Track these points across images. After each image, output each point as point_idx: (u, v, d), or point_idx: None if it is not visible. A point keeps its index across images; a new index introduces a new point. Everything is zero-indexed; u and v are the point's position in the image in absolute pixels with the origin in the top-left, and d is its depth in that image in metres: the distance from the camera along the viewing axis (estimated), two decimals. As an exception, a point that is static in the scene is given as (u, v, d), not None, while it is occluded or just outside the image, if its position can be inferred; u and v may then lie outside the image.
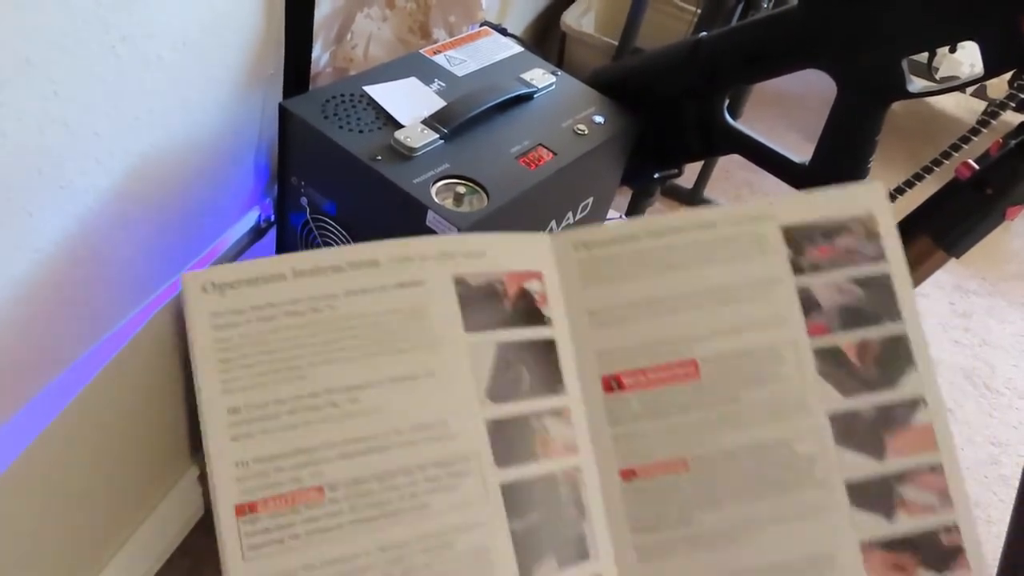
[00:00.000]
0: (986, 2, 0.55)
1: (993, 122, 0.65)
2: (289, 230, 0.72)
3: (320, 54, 0.79)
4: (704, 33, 0.69)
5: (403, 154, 0.61)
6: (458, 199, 0.59)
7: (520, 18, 1.58)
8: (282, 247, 0.75)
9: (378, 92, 0.66)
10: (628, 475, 0.28)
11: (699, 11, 1.31)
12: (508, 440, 0.26)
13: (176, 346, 0.81)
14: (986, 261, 1.84)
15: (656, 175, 0.79)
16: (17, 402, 0.61)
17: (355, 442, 0.25)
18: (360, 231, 0.65)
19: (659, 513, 0.27)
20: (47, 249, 0.56)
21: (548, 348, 0.28)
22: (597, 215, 0.78)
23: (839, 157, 0.65)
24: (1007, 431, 1.46)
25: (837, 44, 0.61)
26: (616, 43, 1.46)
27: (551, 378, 0.28)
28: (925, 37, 0.59)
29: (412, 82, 0.69)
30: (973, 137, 0.67)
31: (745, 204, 0.33)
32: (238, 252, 0.82)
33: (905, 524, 0.29)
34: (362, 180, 0.60)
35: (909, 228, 0.74)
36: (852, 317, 0.31)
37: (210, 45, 0.62)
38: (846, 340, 0.30)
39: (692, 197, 1.79)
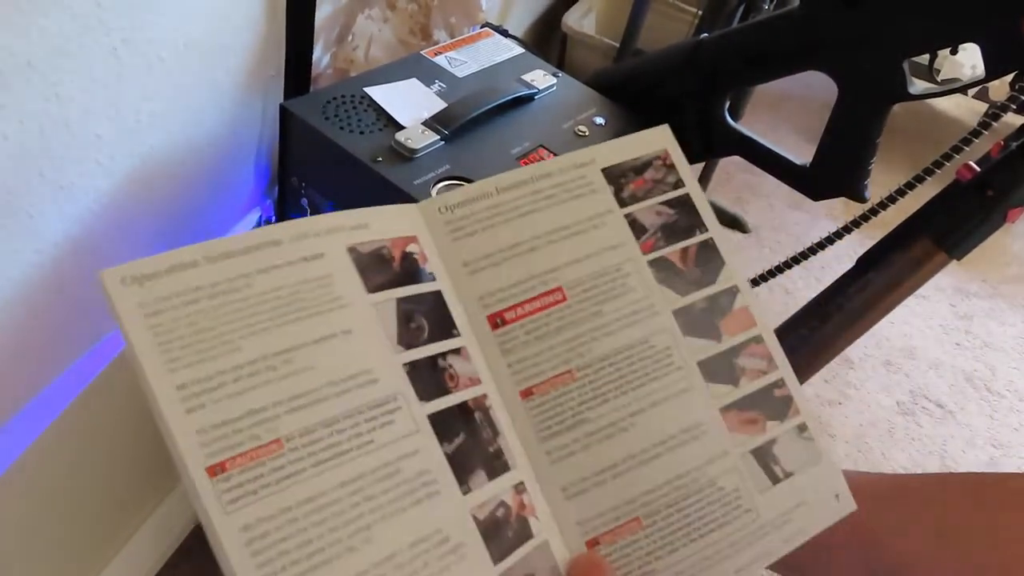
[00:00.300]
0: (987, 4, 0.55)
1: (994, 124, 0.65)
2: (290, 231, 0.72)
3: (321, 55, 0.79)
4: (705, 35, 0.69)
5: (404, 155, 0.61)
6: (459, 201, 0.59)
7: (521, 19, 1.58)
8: (283, 248, 0.75)
9: (379, 93, 0.66)
10: (526, 394, 0.33)
11: (700, 13, 1.31)
12: (423, 379, 0.31)
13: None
14: (987, 263, 1.83)
15: (657, 177, 0.79)
16: (17, 403, 0.61)
17: (298, 397, 0.28)
18: (361, 233, 0.65)
19: (558, 420, 0.33)
20: (48, 250, 0.56)
21: (438, 298, 0.33)
22: (598, 217, 0.78)
23: (840, 159, 0.65)
24: (1008, 433, 1.45)
25: (838, 46, 0.61)
26: (617, 45, 1.46)
27: (446, 323, 0.32)
28: (926, 39, 0.59)
29: (413, 83, 0.69)
30: (974, 139, 0.66)
31: (569, 154, 0.38)
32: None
33: (747, 387, 0.36)
34: (363, 181, 0.60)
35: (910, 230, 0.74)
36: (671, 232, 0.38)
37: (211, 47, 0.63)
38: (670, 251, 0.37)
39: (693, 199, 1.80)
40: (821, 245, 0.77)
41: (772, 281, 0.83)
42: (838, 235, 0.75)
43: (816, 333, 0.83)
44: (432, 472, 0.29)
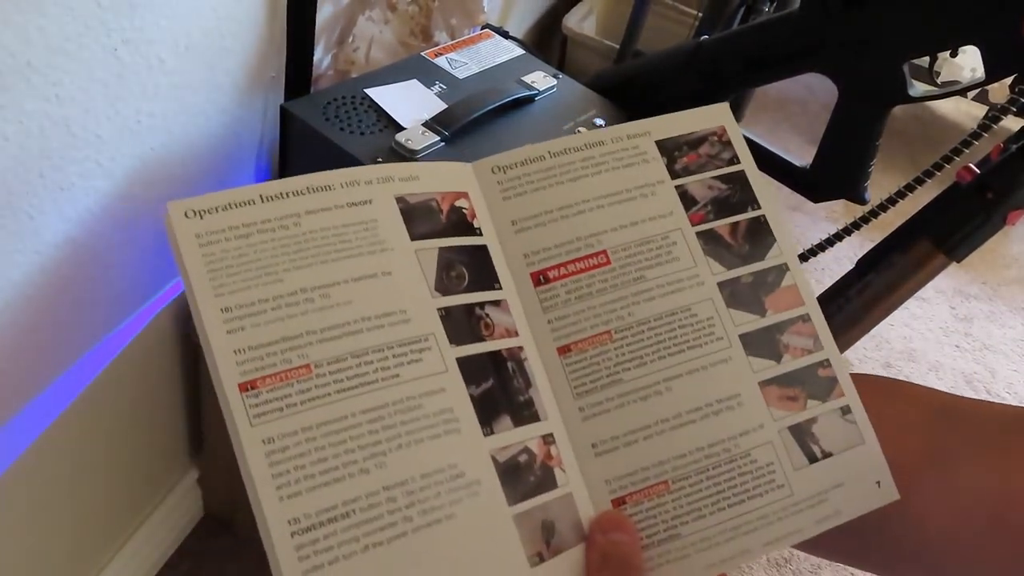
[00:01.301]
0: (987, 7, 0.55)
1: (994, 126, 0.65)
2: (290, 232, 0.72)
3: (322, 57, 0.79)
4: (705, 36, 0.69)
5: (404, 156, 0.61)
6: (459, 202, 0.59)
7: (521, 21, 1.58)
8: (283, 249, 0.75)
9: (379, 94, 0.66)
10: (564, 351, 0.34)
11: (700, 15, 1.31)
12: (457, 324, 0.32)
13: (176, 348, 0.81)
14: (987, 266, 1.83)
15: (657, 178, 0.79)
16: (18, 403, 0.61)
17: (331, 329, 0.30)
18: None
19: (593, 378, 0.34)
20: (48, 252, 0.56)
21: (482, 252, 0.34)
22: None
23: (840, 161, 0.65)
24: (1008, 435, 1.45)
25: (838, 48, 0.61)
26: (617, 46, 1.46)
27: (488, 277, 0.34)
28: (926, 41, 0.59)
29: (413, 84, 0.69)
30: (974, 141, 0.66)
31: (624, 124, 0.39)
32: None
33: (790, 364, 0.36)
34: (363, 183, 0.60)
35: (910, 232, 0.74)
36: (722, 207, 0.38)
37: (212, 48, 0.63)
38: (720, 225, 0.38)
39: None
40: (821, 247, 0.77)
41: (772, 283, 0.83)
42: (838, 237, 0.75)
43: (816, 335, 0.83)
44: (454, 411, 0.31)
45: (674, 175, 0.38)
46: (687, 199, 0.38)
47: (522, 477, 0.31)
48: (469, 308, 0.33)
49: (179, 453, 0.93)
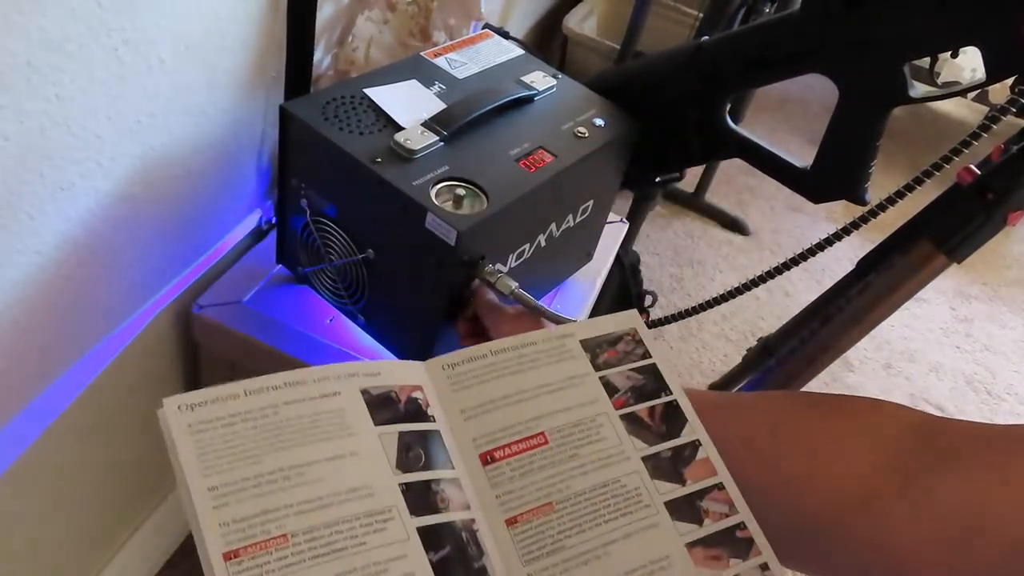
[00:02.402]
0: (987, 7, 0.55)
1: (994, 126, 0.65)
2: (289, 232, 0.72)
3: (322, 57, 0.80)
4: (706, 37, 0.69)
5: (403, 156, 0.61)
6: (457, 201, 0.59)
7: (522, 21, 1.58)
8: (283, 249, 0.75)
9: (378, 94, 0.66)
10: (511, 522, 0.38)
11: (701, 15, 1.31)
12: (417, 497, 0.37)
13: (176, 348, 0.81)
14: (987, 266, 1.83)
15: (657, 179, 0.79)
16: (19, 403, 0.61)
17: (306, 503, 0.35)
18: (360, 233, 0.65)
19: (539, 546, 0.38)
20: (48, 252, 0.56)
21: (436, 436, 0.40)
22: (597, 219, 0.78)
23: (841, 161, 0.65)
24: (1009, 436, 1.45)
25: (839, 49, 0.61)
26: (618, 47, 1.46)
27: (442, 457, 0.39)
28: (927, 42, 0.59)
29: (412, 84, 0.69)
30: (973, 141, 0.66)
31: (552, 328, 0.46)
32: (238, 254, 0.82)
33: (711, 527, 0.40)
34: (362, 182, 0.60)
35: (910, 233, 0.74)
36: (639, 394, 0.44)
37: (212, 48, 0.63)
38: (640, 408, 0.44)
39: (693, 201, 1.79)
40: (820, 246, 0.77)
41: (772, 283, 0.83)
42: (837, 236, 0.75)
43: (816, 335, 0.83)
44: (416, 575, 0.34)
45: (597, 368, 0.44)
46: (610, 387, 0.44)
47: None
48: (427, 484, 0.37)
49: (179, 453, 0.93)
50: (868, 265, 0.79)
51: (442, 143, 0.62)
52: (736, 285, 0.84)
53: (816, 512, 0.40)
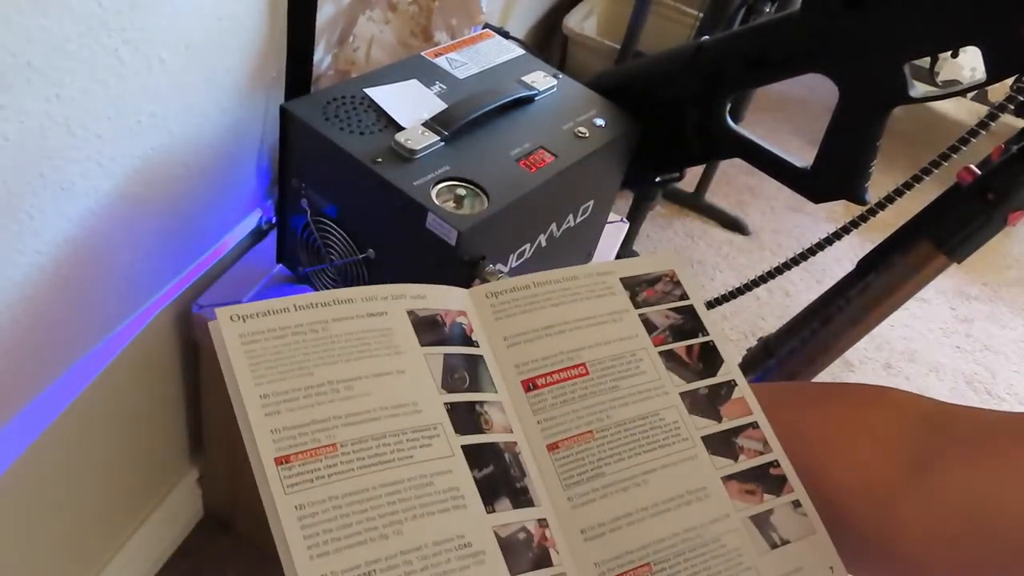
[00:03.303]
0: (987, 8, 0.55)
1: (992, 124, 0.65)
2: (290, 232, 0.72)
3: (322, 57, 0.80)
4: (706, 37, 0.69)
5: (403, 156, 0.61)
6: (458, 201, 0.59)
7: (522, 21, 1.58)
8: (283, 249, 0.75)
9: (379, 94, 0.66)
10: (552, 448, 0.39)
11: (701, 15, 1.31)
12: (461, 417, 0.38)
13: (176, 348, 0.81)
14: (987, 266, 1.83)
15: (657, 179, 0.79)
16: (19, 403, 0.61)
17: (354, 415, 0.35)
18: (360, 233, 0.65)
19: (580, 471, 0.39)
20: (48, 251, 0.56)
21: (480, 361, 0.40)
22: (598, 218, 0.78)
23: (841, 161, 0.65)
24: (1009, 436, 1.45)
25: (839, 49, 0.61)
26: (618, 47, 1.46)
27: (486, 382, 0.40)
28: (927, 42, 0.59)
29: (413, 84, 0.69)
30: (972, 139, 0.66)
31: (594, 264, 0.46)
32: (239, 254, 0.82)
33: (745, 463, 0.41)
34: (362, 182, 0.60)
35: (911, 233, 0.74)
36: (678, 332, 0.45)
37: (212, 48, 0.63)
38: (678, 346, 0.44)
39: (693, 201, 1.79)
40: (820, 246, 0.77)
41: (772, 283, 0.84)
42: (837, 236, 0.75)
43: (817, 335, 0.83)
44: (461, 489, 0.35)
45: (636, 305, 0.45)
46: (649, 325, 0.44)
47: (521, 553, 0.35)
48: (471, 405, 0.38)
49: (179, 453, 0.93)
50: (868, 265, 0.79)
51: (443, 143, 0.62)
52: (736, 285, 0.84)
53: (820, 505, 0.40)
